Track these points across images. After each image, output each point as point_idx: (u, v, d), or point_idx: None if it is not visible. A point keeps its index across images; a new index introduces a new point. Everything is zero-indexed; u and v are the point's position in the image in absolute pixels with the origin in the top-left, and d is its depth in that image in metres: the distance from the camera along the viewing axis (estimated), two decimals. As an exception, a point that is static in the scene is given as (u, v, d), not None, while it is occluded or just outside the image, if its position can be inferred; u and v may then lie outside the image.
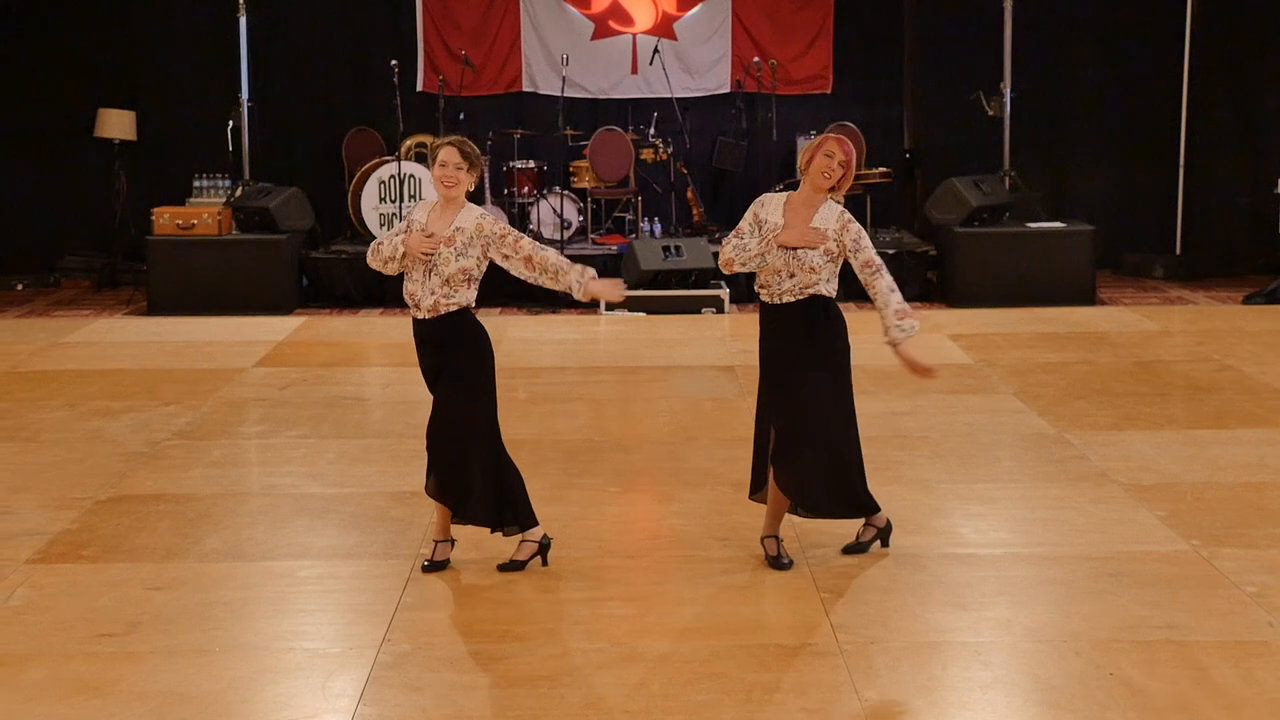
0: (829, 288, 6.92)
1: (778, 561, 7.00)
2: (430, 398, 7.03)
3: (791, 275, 6.86)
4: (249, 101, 15.70)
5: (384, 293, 14.73)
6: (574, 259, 15.29)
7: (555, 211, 15.62)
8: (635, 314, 14.29)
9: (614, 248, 15.32)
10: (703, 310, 14.34)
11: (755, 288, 7.05)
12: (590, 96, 16.67)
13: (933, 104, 16.71)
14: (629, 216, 16.08)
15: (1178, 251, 16.30)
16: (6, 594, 6.74)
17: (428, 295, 6.80)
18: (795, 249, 6.83)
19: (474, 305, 6.89)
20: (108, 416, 10.21)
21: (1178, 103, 16.13)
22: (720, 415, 10.17)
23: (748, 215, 7.04)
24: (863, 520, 7.23)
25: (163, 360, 12.25)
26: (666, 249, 14.67)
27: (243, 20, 15.71)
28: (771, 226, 6.89)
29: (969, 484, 8.43)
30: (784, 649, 6.05)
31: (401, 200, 15.18)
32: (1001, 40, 15.69)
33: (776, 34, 16.65)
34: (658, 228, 16.09)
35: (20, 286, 16.28)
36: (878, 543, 7.24)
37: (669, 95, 16.12)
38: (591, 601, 6.63)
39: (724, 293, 14.40)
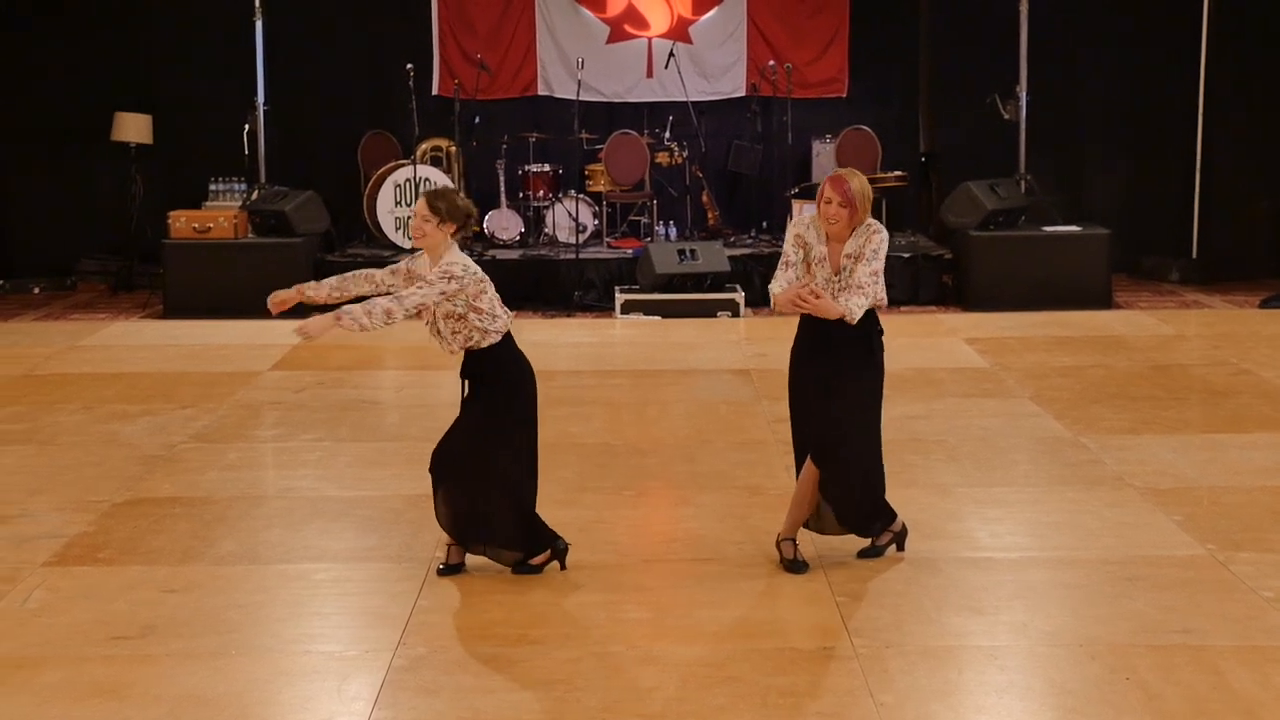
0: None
1: (794, 564, 6.99)
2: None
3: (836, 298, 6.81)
4: (265, 105, 15.72)
5: (399, 296, 14.74)
6: (589, 262, 15.37)
7: (570, 215, 15.63)
8: (650, 317, 14.29)
9: (629, 251, 15.32)
10: (718, 314, 14.34)
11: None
12: (605, 100, 16.67)
13: (948, 108, 16.69)
14: (644, 220, 16.07)
15: (1194, 255, 16.25)
16: (23, 597, 6.76)
17: (442, 342, 6.86)
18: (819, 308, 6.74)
19: (503, 336, 6.83)
20: (124, 419, 10.22)
21: (1194, 105, 16.09)
22: (736, 419, 10.16)
23: (790, 239, 6.90)
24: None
25: (179, 363, 12.27)
26: (681, 252, 14.67)
27: (259, 24, 15.73)
28: (818, 256, 6.80)
29: (985, 488, 8.42)
30: (800, 653, 6.04)
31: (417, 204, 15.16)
32: (1017, 43, 15.66)
33: (792, 38, 16.64)
34: (673, 231, 16.09)
35: (37, 290, 16.32)
36: (893, 547, 7.23)
37: (684, 99, 16.13)
38: (607, 605, 6.63)
39: (739, 296, 14.39)
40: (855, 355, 6.88)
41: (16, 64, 16.54)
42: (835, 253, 6.80)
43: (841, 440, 6.90)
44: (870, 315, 6.83)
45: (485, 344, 6.80)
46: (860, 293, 6.69)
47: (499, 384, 6.87)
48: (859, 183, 6.77)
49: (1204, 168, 16.10)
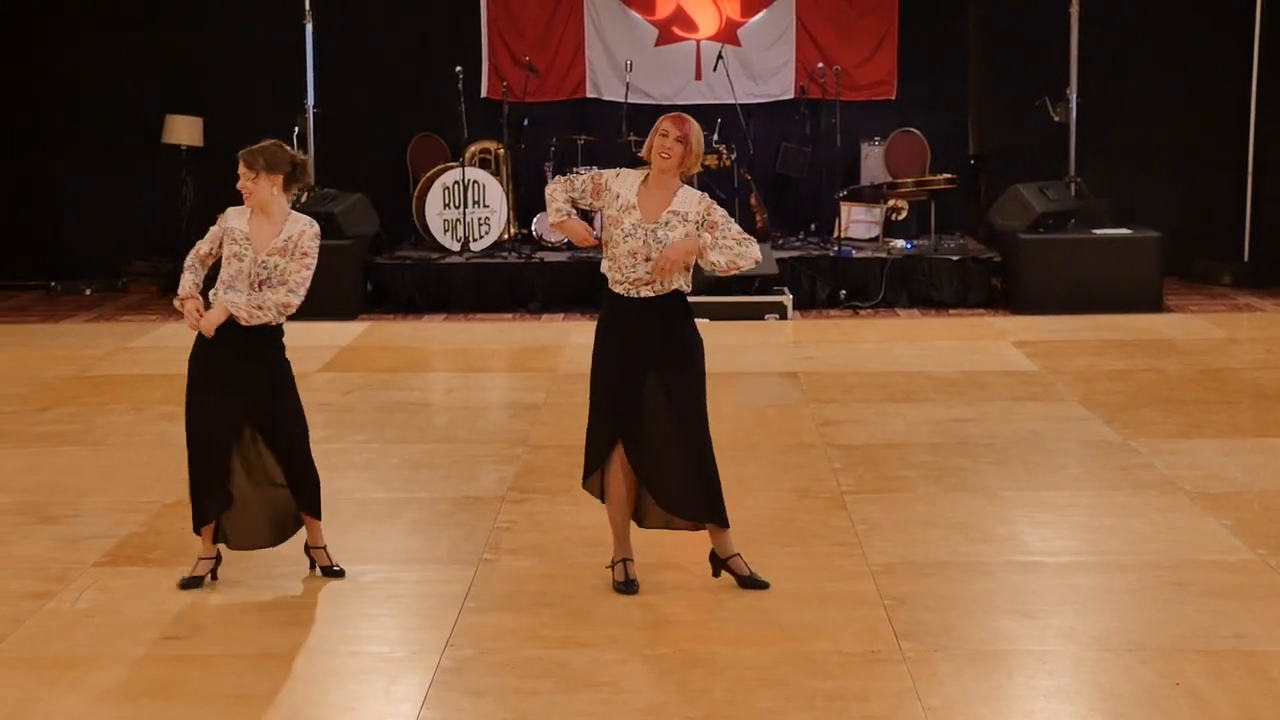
0: (688, 282, 6.81)
1: (630, 584, 6.76)
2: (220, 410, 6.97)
3: (649, 259, 6.70)
4: (315, 108, 15.76)
5: (448, 298, 14.79)
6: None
7: (618, 217, 15.61)
8: (698, 319, 14.24)
9: (677, 254, 15.29)
10: (765, 316, 14.31)
11: (604, 272, 6.84)
12: (654, 103, 16.62)
13: (998, 110, 16.62)
14: (692, 222, 16.04)
15: (1246, 258, 16.12)
16: (74, 596, 6.80)
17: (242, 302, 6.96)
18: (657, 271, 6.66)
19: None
20: (174, 420, 10.20)
21: (1246, 107, 15.97)
22: (783, 422, 10.15)
23: (587, 178, 6.80)
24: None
25: (229, 365, 12.31)
26: (729, 255, 14.62)
27: (309, 27, 15.79)
28: (624, 203, 6.66)
29: (1034, 491, 8.38)
30: (847, 656, 6.03)
31: (466, 206, 15.23)
32: (1067, 45, 15.56)
33: (841, 40, 16.61)
34: (721, 234, 16.04)
35: (88, 291, 16.44)
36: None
37: (733, 101, 16.12)
38: (653, 607, 6.62)
39: (787, 299, 14.37)
40: (685, 333, 6.88)
41: (68, 67, 16.66)
42: (654, 201, 6.66)
43: (700, 424, 6.87)
44: (686, 300, 6.87)
45: (279, 321, 6.88)
46: (740, 244, 6.67)
47: (284, 358, 6.93)
48: (697, 128, 6.69)
49: (1256, 169, 15.97)
